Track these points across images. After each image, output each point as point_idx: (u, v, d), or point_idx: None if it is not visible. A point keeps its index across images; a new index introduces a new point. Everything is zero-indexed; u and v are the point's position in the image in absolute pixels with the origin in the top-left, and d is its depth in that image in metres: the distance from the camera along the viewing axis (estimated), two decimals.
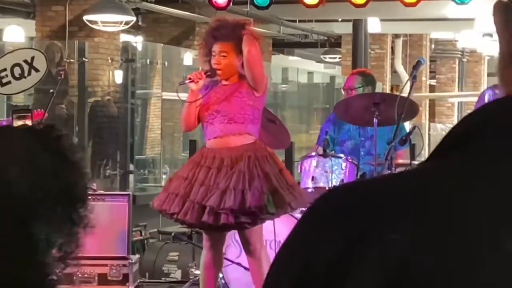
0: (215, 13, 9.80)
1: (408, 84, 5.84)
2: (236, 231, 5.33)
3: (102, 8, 10.86)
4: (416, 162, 5.51)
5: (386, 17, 14.91)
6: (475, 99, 8.19)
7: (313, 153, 6.04)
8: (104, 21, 10.95)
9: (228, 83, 5.20)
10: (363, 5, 9.64)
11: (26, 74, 6.57)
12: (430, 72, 21.28)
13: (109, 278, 6.53)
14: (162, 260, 6.96)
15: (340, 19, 16.14)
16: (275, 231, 5.56)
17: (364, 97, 6.00)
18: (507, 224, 0.75)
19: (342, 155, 5.97)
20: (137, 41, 13.98)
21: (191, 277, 6.47)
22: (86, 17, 10.99)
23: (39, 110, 6.58)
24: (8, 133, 1.64)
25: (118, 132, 11.83)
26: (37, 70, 6.58)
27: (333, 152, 6.13)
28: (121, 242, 6.57)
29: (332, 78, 19.58)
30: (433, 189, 0.78)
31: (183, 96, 5.37)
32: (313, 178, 5.86)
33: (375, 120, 5.74)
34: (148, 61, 12.68)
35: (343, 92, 6.62)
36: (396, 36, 18.50)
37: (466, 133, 0.81)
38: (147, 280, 6.90)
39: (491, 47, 18.28)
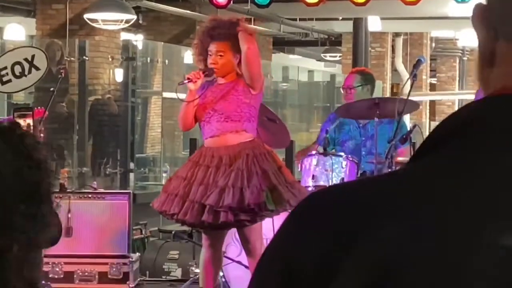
0: (215, 12, 9.80)
1: (409, 82, 5.84)
2: (236, 229, 5.34)
3: (102, 7, 10.86)
4: None
5: (386, 16, 14.91)
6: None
7: (313, 152, 6.04)
8: (105, 19, 10.95)
9: (224, 81, 5.21)
10: (364, 4, 9.64)
11: (26, 73, 6.57)
12: (431, 70, 21.28)
13: (109, 276, 6.53)
14: (163, 259, 6.97)
15: (340, 18, 16.13)
16: (274, 229, 5.56)
17: (365, 101, 5.99)
18: (495, 219, 0.75)
19: (342, 153, 5.97)
20: (138, 39, 13.98)
21: (191, 276, 6.48)
22: (86, 16, 10.99)
23: (39, 107, 6.58)
24: None
25: (118, 131, 11.83)
26: (37, 69, 6.58)
27: (333, 151, 6.13)
28: (122, 241, 6.58)
29: (333, 76, 19.58)
30: (419, 188, 0.78)
31: (182, 95, 5.38)
32: (313, 177, 5.86)
33: (375, 119, 5.74)
34: (148, 59, 12.68)
35: (342, 91, 6.62)
36: (397, 34, 18.50)
37: (449, 133, 0.82)
38: (147, 279, 6.90)
39: None
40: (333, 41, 18.58)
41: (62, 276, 6.50)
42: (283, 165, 5.31)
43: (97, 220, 6.56)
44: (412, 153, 5.55)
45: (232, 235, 5.70)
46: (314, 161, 5.89)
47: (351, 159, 5.89)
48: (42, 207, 1.58)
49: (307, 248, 0.78)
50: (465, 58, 22.04)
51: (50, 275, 6.46)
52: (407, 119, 11.14)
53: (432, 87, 22.31)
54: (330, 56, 19.10)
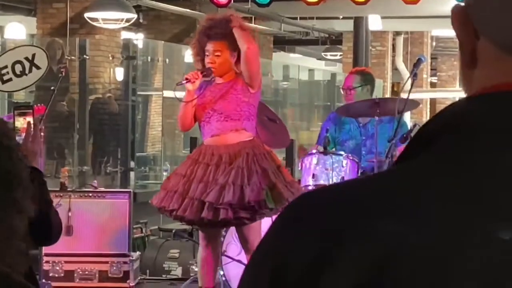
0: (216, 11, 9.79)
1: (409, 81, 5.84)
2: (235, 228, 5.34)
3: (103, 6, 10.86)
4: None
5: (387, 15, 14.91)
6: None
7: (314, 151, 6.04)
8: (105, 18, 10.95)
9: (223, 81, 5.22)
10: (364, 3, 9.64)
11: (27, 72, 6.56)
12: (431, 69, 21.28)
13: (109, 275, 6.54)
14: (163, 257, 6.97)
15: (341, 17, 16.13)
16: None
17: (365, 101, 5.99)
18: (493, 219, 0.75)
19: (342, 152, 5.97)
20: (138, 38, 13.98)
21: (191, 274, 6.47)
22: (87, 15, 10.99)
23: (39, 104, 6.58)
24: None
25: (119, 129, 11.84)
26: (38, 68, 6.58)
27: (334, 150, 6.13)
28: (122, 239, 6.58)
29: (333, 75, 19.58)
30: (417, 187, 0.78)
31: (180, 94, 5.39)
32: (313, 176, 5.86)
33: (376, 118, 5.75)
34: (149, 58, 12.68)
35: (342, 92, 6.62)
36: (397, 33, 18.50)
37: (440, 130, 0.82)
38: (147, 277, 6.90)
39: None
40: (333, 40, 18.58)
41: (62, 274, 6.50)
42: (282, 165, 5.33)
43: (98, 219, 6.56)
44: None
45: (232, 234, 5.70)
46: (315, 160, 5.89)
47: (351, 158, 5.89)
48: (14, 193, 1.58)
49: (299, 246, 0.78)
50: None
51: (51, 274, 6.46)
52: (407, 118, 11.15)
53: (433, 86, 22.32)
54: (330, 55, 19.10)
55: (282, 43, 19.40)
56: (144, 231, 8.05)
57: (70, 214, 6.47)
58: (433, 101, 21.50)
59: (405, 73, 17.69)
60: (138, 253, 6.88)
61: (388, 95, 16.74)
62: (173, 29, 14.12)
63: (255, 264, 0.82)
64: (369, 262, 0.74)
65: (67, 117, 11.28)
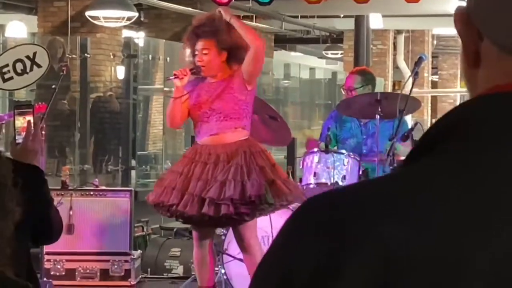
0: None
1: (410, 80, 5.84)
2: (231, 227, 5.35)
3: (104, 4, 10.87)
4: None
5: (388, 13, 14.91)
6: None
7: (315, 149, 6.04)
8: (106, 16, 10.95)
9: (216, 80, 5.22)
10: (365, 1, 9.64)
11: (28, 70, 6.57)
12: (432, 68, 21.28)
13: (111, 273, 6.54)
14: (164, 256, 6.97)
15: (342, 15, 16.14)
16: (272, 225, 5.56)
17: (366, 96, 6.00)
18: (496, 220, 0.75)
19: (344, 151, 5.97)
20: (139, 36, 13.98)
21: (193, 273, 6.47)
22: (88, 13, 10.99)
23: (40, 103, 6.58)
24: None
25: (120, 128, 11.84)
26: (39, 66, 6.58)
27: (335, 148, 6.13)
28: (123, 238, 6.58)
29: (334, 74, 19.58)
30: (420, 189, 0.78)
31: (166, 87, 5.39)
32: (315, 174, 5.86)
33: (377, 117, 5.74)
34: (150, 56, 12.68)
35: (343, 92, 6.62)
36: (398, 32, 18.49)
37: (446, 132, 0.82)
38: (149, 276, 6.91)
39: None
40: (334, 39, 18.58)
41: (63, 273, 6.51)
42: (276, 163, 5.36)
43: (99, 218, 6.57)
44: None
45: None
46: (316, 159, 5.89)
47: (352, 156, 5.89)
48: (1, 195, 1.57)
49: (306, 252, 0.77)
50: None
51: (52, 272, 6.46)
52: (408, 117, 11.14)
53: (434, 85, 22.31)
54: (331, 54, 19.10)
55: (283, 41, 19.40)
56: (145, 229, 8.05)
57: (71, 212, 6.48)
58: (434, 100, 21.49)
59: (406, 72, 17.68)
60: (139, 251, 6.88)
61: None
62: (174, 28, 14.11)
63: (263, 271, 0.82)
64: (374, 267, 0.74)
65: (68, 116, 11.29)
